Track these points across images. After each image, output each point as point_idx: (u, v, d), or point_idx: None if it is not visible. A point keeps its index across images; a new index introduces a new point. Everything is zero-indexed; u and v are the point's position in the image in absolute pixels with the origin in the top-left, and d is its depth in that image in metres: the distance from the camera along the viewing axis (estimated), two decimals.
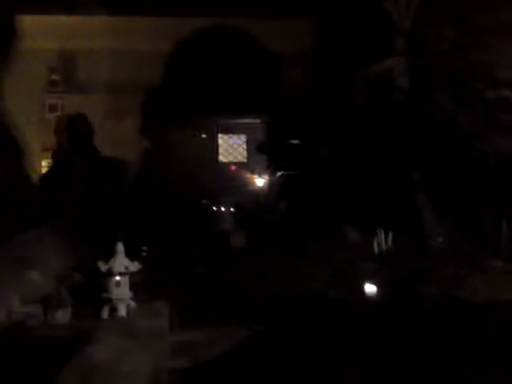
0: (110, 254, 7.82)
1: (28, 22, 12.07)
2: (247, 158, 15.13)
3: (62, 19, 12.86)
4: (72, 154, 12.01)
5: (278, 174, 13.92)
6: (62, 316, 7.21)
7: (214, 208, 13.22)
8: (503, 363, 5.72)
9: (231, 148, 15.14)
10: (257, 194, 14.14)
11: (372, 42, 10.80)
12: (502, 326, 6.56)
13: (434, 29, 9.89)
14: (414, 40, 10.16)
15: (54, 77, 13.56)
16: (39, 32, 12.47)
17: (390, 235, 9.87)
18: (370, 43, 10.81)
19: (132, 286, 7.82)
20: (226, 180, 14.35)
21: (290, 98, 13.41)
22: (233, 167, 14.88)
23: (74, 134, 12.32)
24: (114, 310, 7.60)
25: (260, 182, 14.49)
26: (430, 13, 10.08)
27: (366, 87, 10.89)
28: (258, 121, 14.59)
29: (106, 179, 11.61)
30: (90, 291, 7.74)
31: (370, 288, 8.33)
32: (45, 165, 13.12)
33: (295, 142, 13.01)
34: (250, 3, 12.91)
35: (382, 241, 9.90)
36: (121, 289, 7.64)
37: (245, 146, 15.13)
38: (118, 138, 13.18)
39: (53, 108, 13.56)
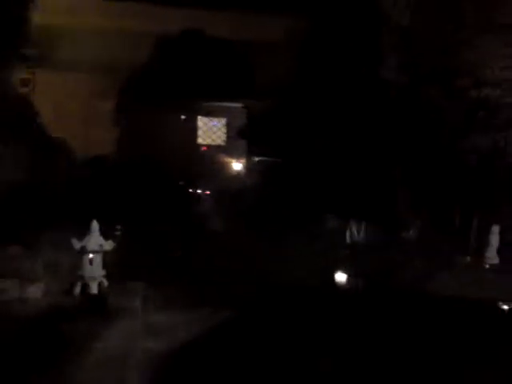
0: (85, 232, 7.80)
1: None
2: (226, 142, 15.12)
3: None
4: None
5: (257, 159, 13.99)
6: (35, 291, 7.19)
7: (191, 190, 13.24)
8: (470, 353, 5.88)
9: (210, 131, 15.12)
10: (234, 178, 14.18)
11: (353, 35, 10.89)
12: (468, 319, 6.74)
13: (430, 26, 9.98)
14: (410, 36, 10.22)
15: (30, 51, 13.22)
16: None
17: (364, 225, 10.01)
18: (352, 37, 10.89)
19: (106, 265, 7.82)
20: (204, 163, 14.36)
21: (269, 86, 13.42)
22: (204, 148, 14.86)
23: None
24: (86, 287, 7.60)
25: (238, 166, 14.52)
26: (427, 11, 10.16)
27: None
28: (239, 105, 14.59)
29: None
30: (64, 268, 7.74)
31: (341, 277, 8.47)
32: None
33: (276, 128, 13.05)
34: None
35: (354, 231, 10.04)
36: (94, 267, 7.61)
37: (224, 129, 15.12)
38: (96, 117, 13.11)
39: (25, 83, 13.28)
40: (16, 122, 10.30)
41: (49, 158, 10.70)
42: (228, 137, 15.04)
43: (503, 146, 9.78)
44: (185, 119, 14.67)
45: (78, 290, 7.58)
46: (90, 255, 7.64)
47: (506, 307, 7.41)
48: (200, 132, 15.06)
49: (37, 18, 12.08)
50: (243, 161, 14.47)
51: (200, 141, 15.04)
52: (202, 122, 15.05)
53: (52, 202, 9.61)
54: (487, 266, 9.09)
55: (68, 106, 13.09)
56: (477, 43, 9.39)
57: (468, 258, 9.31)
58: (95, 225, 7.75)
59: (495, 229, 9.16)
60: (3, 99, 10.31)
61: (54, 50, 13.33)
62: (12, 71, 11.43)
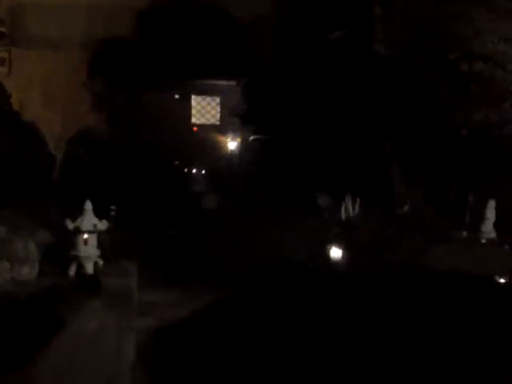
0: (78, 213, 7.77)
1: None
2: (220, 121, 15.02)
3: None
4: None
5: (251, 137, 13.91)
6: (29, 272, 7.17)
7: (186, 170, 13.19)
8: (467, 328, 5.89)
9: (204, 110, 15.01)
10: (228, 156, 14.12)
11: (340, 8, 10.77)
12: (463, 294, 6.74)
13: None
14: (392, 8, 10.12)
15: (2, 29, 12.93)
16: None
17: (358, 202, 9.99)
18: (337, 9, 10.77)
19: (100, 245, 7.80)
20: (199, 142, 14.27)
21: (260, 62, 13.28)
22: (194, 128, 14.75)
23: None
24: (81, 267, 7.59)
25: (232, 145, 14.45)
26: None
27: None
28: (232, 83, 14.46)
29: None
30: (58, 249, 7.71)
31: (336, 252, 8.46)
32: None
33: (270, 106, 12.96)
34: None
35: (349, 207, 10.02)
36: (88, 247, 7.60)
37: (218, 108, 15.01)
38: (82, 95, 12.92)
39: (1, 62, 13.05)
40: None
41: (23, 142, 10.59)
42: (222, 115, 14.93)
43: (496, 119, 9.72)
44: (178, 98, 14.53)
45: (73, 270, 7.58)
46: (85, 235, 7.62)
47: (502, 281, 7.42)
48: (194, 111, 14.94)
49: None
50: (237, 139, 14.38)
51: (194, 120, 14.92)
52: (195, 100, 14.93)
53: (41, 184, 9.58)
54: (484, 241, 9.08)
55: (50, 84, 12.84)
56: (467, 16, 9.27)
57: (464, 233, 9.30)
58: (89, 205, 7.72)
59: (491, 203, 9.14)
60: None
61: (29, 28, 13.02)
62: None
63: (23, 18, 13.01)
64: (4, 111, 11.17)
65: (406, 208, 10.29)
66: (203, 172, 13.09)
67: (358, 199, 9.98)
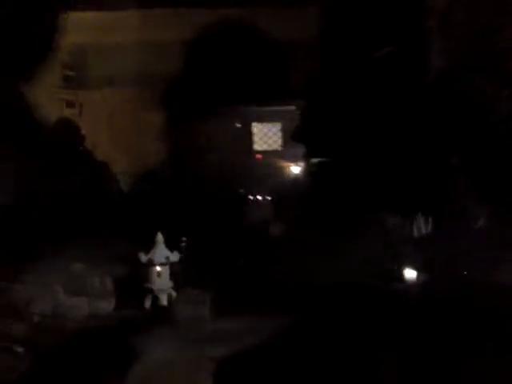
0: (150, 245, 7.96)
1: None
2: (282, 146, 15.07)
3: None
4: None
5: (314, 161, 13.86)
6: (106, 306, 7.37)
7: (251, 197, 13.26)
8: None
9: (266, 136, 15.11)
10: (293, 182, 14.11)
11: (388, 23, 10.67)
12: None
13: (467, 8, 9.68)
14: (447, 21, 9.96)
15: (69, 72, 13.47)
16: None
17: (430, 219, 9.77)
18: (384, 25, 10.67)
19: (172, 276, 7.94)
20: (262, 169, 14.35)
21: (311, 86, 13.23)
22: (258, 156, 14.83)
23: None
24: (156, 299, 7.75)
25: (296, 169, 14.45)
26: None
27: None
28: (292, 108, 14.51)
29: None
30: (133, 282, 7.90)
31: (410, 273, 8.27)
32: None
33: (330, 128, 12.90)
34: None
35: (421, 225, 9.81)
36: (162, 279, 7.76)
37: (280, 133, 15.08)
38: (147, 130, 13.28)
39: (70, 105, 13.51)
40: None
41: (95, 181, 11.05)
42: (284, 141, 14.99)
43: None
44: (239, 126, 14.71)
45: (148, 302, 7.75)
46: (158, 268, 7.79)
47: None
48: (256, 138, 15.07)
49: (69, 37, 12.38)
50: (301, 164, 14.37)
51: (256, 147, 15.04)
52: (256, 128, 15.07)
53: (114, 219, 9.90)
54: None
55: (117, 121, 13.29)
56: None
57: None
58: (160, 237, 7.92)
59: None
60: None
61: (91, 69, 13.58)
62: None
63: (86, 59, 13.59)
64: (79, 152, 11.73)
65: (480, 222, 9.98)
66: (268, 198, 13.13)
67: (430, 217, 9.76)
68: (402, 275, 8.27)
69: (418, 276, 8.23)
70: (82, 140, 12.08)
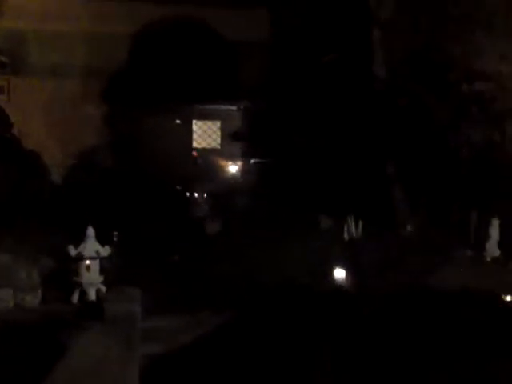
0: (80, 239, 7.76)
1: None
2: (221, 145, 15.08)
3: None
4: None
5: (252, 161, 13.94)
6: (32, 300, 7.15)
7: (188, 194, 13.17)
8: (473, 349, 5.84)
9: (205, 134, 15.07)
10: (230, 180, 14.13)
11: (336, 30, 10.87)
12: (470, 313, 6.69)
13: (410, 20, 9.96)
14: (391, 31, 10.21)
15: (2, 58, 13.03)
16: None
17: (361, 223, 9.98)
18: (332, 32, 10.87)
19: (103, 271, 7.77)
20: (200, 166, 14.32)
21: (259, 86, 13.32)
22: (194, 153, 14.80)
23: None
24: (84, 294, 7.56)
25: (233, 168, 14.48)
26: (406, 4, 10.14)
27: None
28: (233, 107, 14.56)
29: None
30: (60, 276, 7.69)
31: (340, 273, 8.43)
32: None
33: (270, 129, 13.00)
34: None
35: (352, 228, 10.01)
36: (91, 273, 7.59)
37: (219, 132, 15.09)
38: (83, 122, 12.97)
39: (0, 90, 13.12)
40: None
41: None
42: (222, 139, 14.99)
43: (498, 139, 9.75)
44: (180, 123, 14.60)
45: (76, 297, 7.55)
46: (87, 262, 7.61)
47: (508, 299, 7.38)
48: (195, 135, 15.01)
49: (5, 23, 11.96)
50: (239, 163, 14.42)
51: (195, 144, 14.98)
52: (196, 125, 15.00)
53: (44, 211, 9.60)
54: (488, 259, 9.05)
55: (55, 111, 12.91)
56: (467, 36, 9.35)
57: (469, 252, 9.27)
58: (91, 231, 7.72)
59: (495, 222, 9.13)
60: None
61: (28, 56, 13.12)
62: None
63: (23, 46, 13.11)
64: (6, 139, 11.24)
65: (409, 229, 10.27)
66: (205, 196, 13.08)
67: (361, 220, 9.97)
68: (332, 274, 8.42)
69: (346, 276, 8.38)
70: (8, 127, 11.59)
